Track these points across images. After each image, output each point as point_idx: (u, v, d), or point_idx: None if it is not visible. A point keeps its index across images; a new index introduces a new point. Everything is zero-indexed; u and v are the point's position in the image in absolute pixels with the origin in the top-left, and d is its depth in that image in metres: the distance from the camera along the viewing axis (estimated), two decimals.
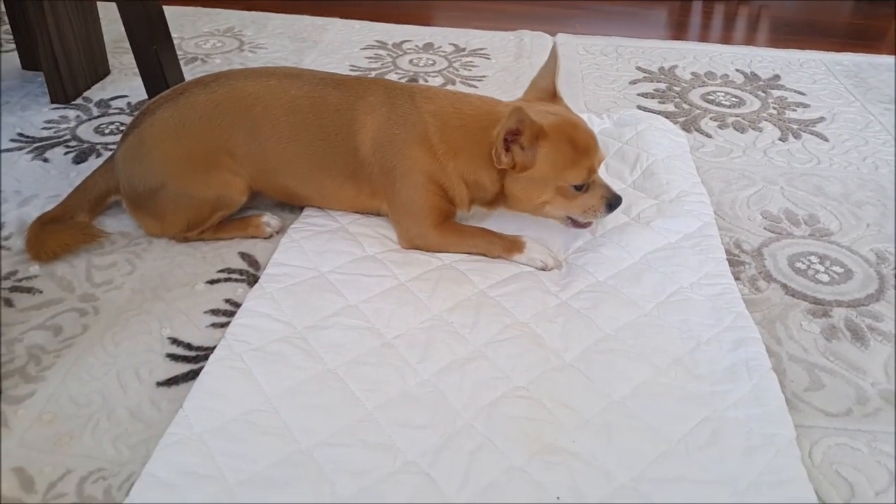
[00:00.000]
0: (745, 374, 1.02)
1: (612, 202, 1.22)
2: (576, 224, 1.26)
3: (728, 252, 1.29)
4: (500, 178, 1.21)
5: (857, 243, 1.35)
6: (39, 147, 1.56)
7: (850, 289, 1.23)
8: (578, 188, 1.20)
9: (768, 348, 1.07)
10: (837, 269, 1.28)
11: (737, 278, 1.23)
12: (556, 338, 1.08)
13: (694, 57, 2.19)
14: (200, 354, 1.04)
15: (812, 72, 2.11)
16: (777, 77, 2.07)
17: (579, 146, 1.17)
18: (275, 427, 0.92)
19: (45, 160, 1.51)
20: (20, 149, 1.55)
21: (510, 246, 1.25)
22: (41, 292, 1.15)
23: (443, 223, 1.26)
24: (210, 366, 1.00)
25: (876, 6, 2.82)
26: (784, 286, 1.23)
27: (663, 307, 1.14)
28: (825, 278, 1.25)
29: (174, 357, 1.04)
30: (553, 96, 1.26)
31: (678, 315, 1.12)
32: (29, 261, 1.21)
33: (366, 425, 0.93)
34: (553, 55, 1.28)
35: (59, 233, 1.23)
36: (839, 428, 0.97)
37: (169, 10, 1.70)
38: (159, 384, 1.00)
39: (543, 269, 1.23)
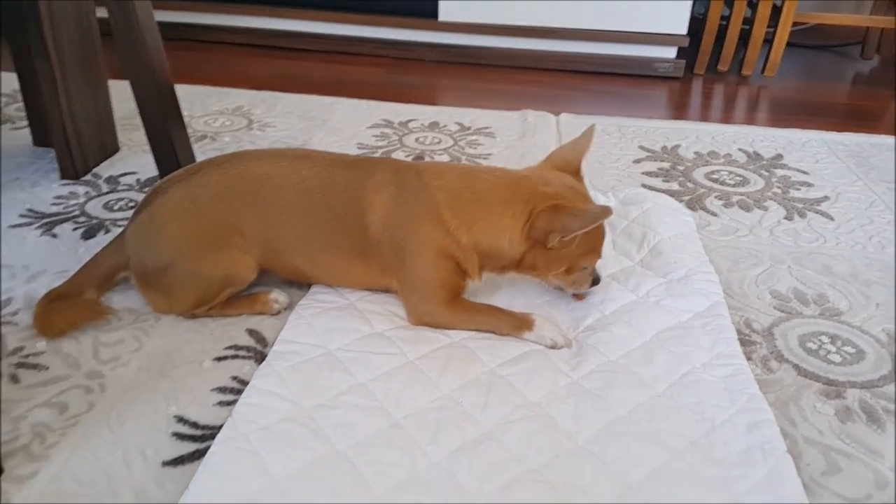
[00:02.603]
0: (760, 457, 0.99)
1: (596, 281, 1.33)
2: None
3: (739, 332, 1.28)
4: (526, 249, 1.23)
5: (867, 323, 1.34)
6: (48, 223, 1.57)
7: (863, 370, 1.22)
8: (584, 269, 1.26)
9: (783, 430, 1.05)
10: (849, 349, 1.27)
11: (748, 358, 1.21)
12: (569, 419, 1.06)
13: (696, 136, 2.22)
14: (207, 433, 1.02)
15: (814, 151, 2.14)
16: (780, 156, 2.10)
17: (601, 235, 1.26)
18: None
19: (54, 236, 1.52)
20: (29, 224, 1.56)
21: (520, 323, 1.24)
22: (47, 369, 1.14)
23: (452, 300, 1.26)
24: (216, 446, 0.98)
25: (872, 88, 2.89)
26: (796, 367, 1.22)
27: (676, 388, 1.12)
28: (837, 359, 1.24)
29: (180, 436, 1.02)
30: (576, 172, 1.30)
31: (692, 397, 1.10)
32: (36, 337, 1.20)
33: None
34: (588, 134, 1.31)
35: (66, 309, 1.22)
36: None
37: (180, 89, 1.73)
38: (165, 464, 0.98)
39: (553, 348, 1.22)
